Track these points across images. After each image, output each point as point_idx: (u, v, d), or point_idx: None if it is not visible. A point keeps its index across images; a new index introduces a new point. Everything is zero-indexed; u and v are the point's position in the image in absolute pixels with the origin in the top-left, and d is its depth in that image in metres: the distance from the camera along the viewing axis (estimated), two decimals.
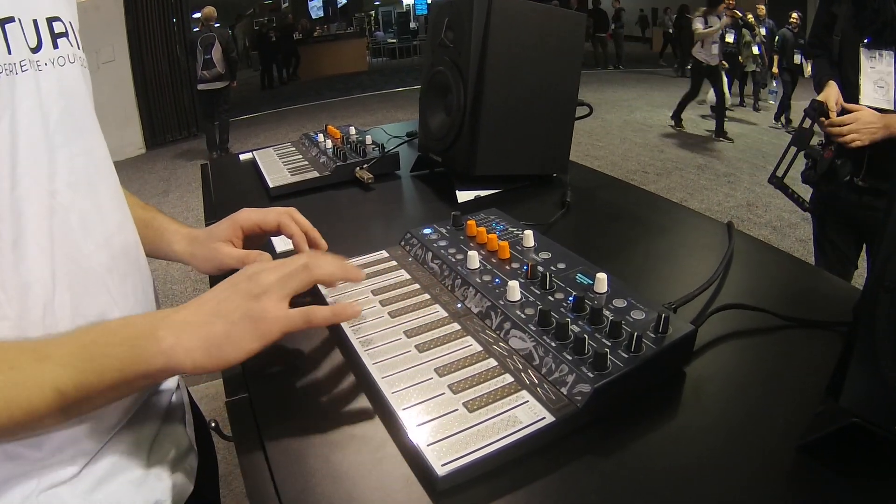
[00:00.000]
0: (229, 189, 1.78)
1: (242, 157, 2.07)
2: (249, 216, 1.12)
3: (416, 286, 1.03)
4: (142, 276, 0.95)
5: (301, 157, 1.90)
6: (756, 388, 0.83)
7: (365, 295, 1.01)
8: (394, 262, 1.12)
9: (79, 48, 0.85)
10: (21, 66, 0.72)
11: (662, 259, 1.23)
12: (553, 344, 0.81)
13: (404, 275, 1.07)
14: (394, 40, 22.88)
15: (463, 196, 1.54)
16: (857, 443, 0.69)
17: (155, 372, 0.70)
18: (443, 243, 1.11)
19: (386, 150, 1.77)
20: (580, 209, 1.45)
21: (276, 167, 1.81)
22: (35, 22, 0.75)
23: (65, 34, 0.81)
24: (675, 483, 0.68)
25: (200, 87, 8.91)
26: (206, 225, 1.50)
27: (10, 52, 0.70)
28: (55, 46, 0.79)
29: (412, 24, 23.66)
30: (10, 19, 0.71)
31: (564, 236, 1.19)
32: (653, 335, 0.81)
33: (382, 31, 23.54)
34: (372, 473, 0.71)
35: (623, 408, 0.79)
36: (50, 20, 0.78)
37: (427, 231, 1.16)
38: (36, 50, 0.75)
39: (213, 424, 1.03)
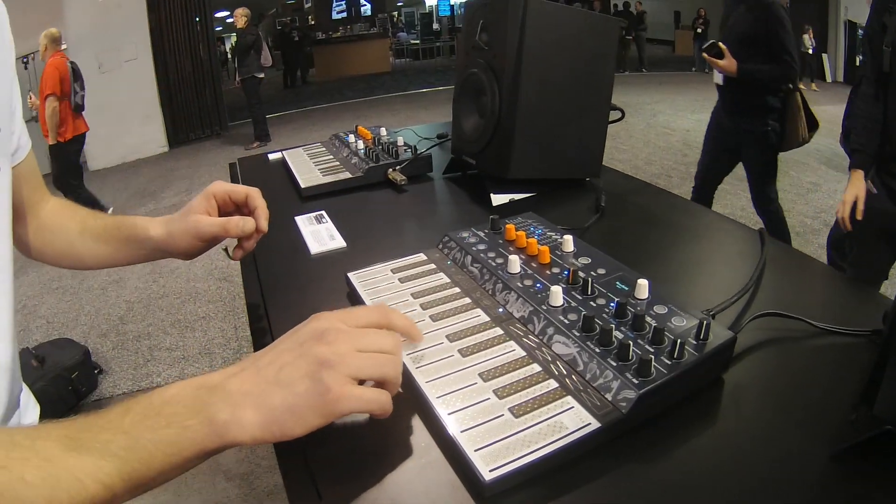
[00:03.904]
0: (259, 188, 1.77)
1: (271, 156, 2.08)
2: (221, 186, 1.12)
3: (457, 290, 1.02)
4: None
5: (332, 157, 1.90)
6: (791, 395, 0.82)
7: (405, 298, 1.01)
8: (432, 266, 1.11)
9: None
10: None
11: (695, 265, 1.22)
12: (597, 350, 0.80)
13: (444, 278, 1.07)
14: (417, 41, 22.87)
15: (497, 199, 1.53)
16: (890, 451, 0.68)
17: (210, 451, 0.63)
18: (482, 247, 1.10)
19: (418, 151, 1.76)
20: (614, 214, 1.44)
21: (307, 167, 1.81)
22: None
23: None
24: (717, 491, 0.68)
25: (261, 74, 9.76)
26: None
27: None
28: None
29: (435, 26, 23.63)
30: None
31: (599, 241, 1.19)
32: (694, 342, 0.81)
33: (405, 32, 23.56)
34: (417, 479, 0.71)
35: (664, 415, 0.78)
36: None
37: (465, 234, 1.16)
38: None
39: None
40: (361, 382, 0.69)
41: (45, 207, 1.11)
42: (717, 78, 4.01)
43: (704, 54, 3.88)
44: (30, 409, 1.05)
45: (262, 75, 9.73)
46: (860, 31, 12.41)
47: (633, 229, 1.39)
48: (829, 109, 9.91)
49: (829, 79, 13.77)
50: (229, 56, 17.73)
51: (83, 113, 6.51)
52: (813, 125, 3.90)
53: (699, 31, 16.69)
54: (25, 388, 1.04)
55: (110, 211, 5.93)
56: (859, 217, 2.64)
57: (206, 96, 10.91)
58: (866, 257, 2.75)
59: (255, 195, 1.12)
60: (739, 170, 7.19)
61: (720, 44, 3.82)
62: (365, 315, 0.76)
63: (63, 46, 6.60)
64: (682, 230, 1.37)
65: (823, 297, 1.10)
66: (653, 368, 0.76)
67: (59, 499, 0.55)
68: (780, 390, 0.84)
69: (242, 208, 1.13)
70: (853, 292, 1.11)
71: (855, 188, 2.63)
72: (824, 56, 13.84)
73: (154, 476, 0.61)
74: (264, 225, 1.12)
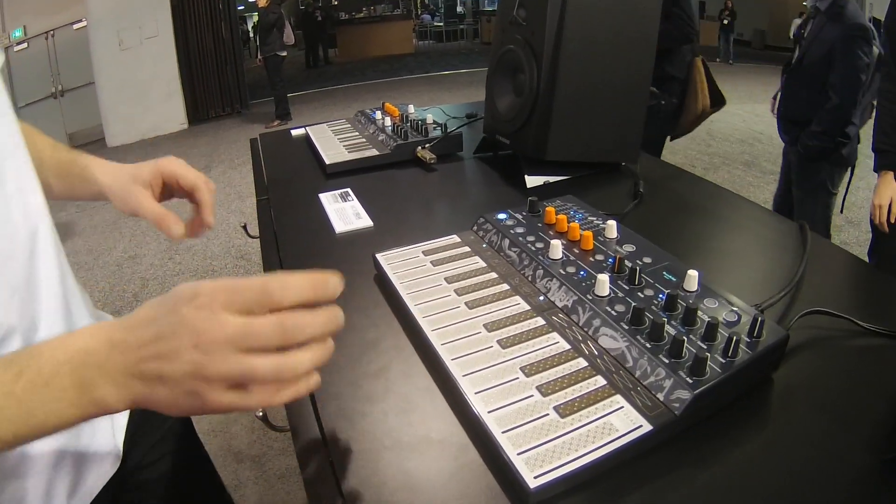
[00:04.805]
0: (281, 164, 1.73)
1: (294, 132, 2.03)
2: (174, 168, 1.04)
3: (494, 275, 0.96)
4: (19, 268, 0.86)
5: (358, 134, 1.84)
6: (840, 398, 0.78)
7: (438, 282, 0.95)
8: (467, 248, 1.05)
9: None
10: None
11: (733, 255, 1.18)
12: (648, 345, 0.75)
13: (479, 262, 1.01)
14: (440, 24, 22.80)
15: (532, 181, 1.48)
16: None
17: (91, 417, 0.61)
18: (520, 230, 1.04)
19: (448, 129, 1.70)
20: (651, 200, 1.39)
21: (332, 144, 1.76)
22: None
23: None
24: (769, 497, 0.64)
25: (284, 53, 9.78)
26: (257, 201, 1.46)
27: None
28: None
29: (459, 9, 23.56)
30: None
31: (637, 228, 1.13)
32: (747, 339, 0.75)
33: (429, 15, 23.48)
34: (451, 483, 0.65)
35: (713, 416, 0.73)
36: None
37: (502, 216, 1.09)
38: None
39: (260, 414, 0.98)
40: None
41: None
42: None
43: None
44: None
45: (284, 53, 9.71)
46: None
47: (671, 217, 1.34)
48: None
49: None
50: (251, 35, 17.74)
51: None
52: (718, 99, 3.76)
53: (725, 22, 16.51)
54: None
55: None
56: (893, 220, 2.61)
57: (228, 74, 10.86)
58: (889, 255, 2.72)
59: (201, 190, 1.04)
60: (762, 160, 7.13)
61: None
62: (245, 293, 0.61)
63: None
64: (719, 219, 1.33)
65: (864, 295, 1.05)
66: (708, 367, 0.70)
67: None
68: (829, 392, 0.79)
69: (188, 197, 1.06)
70: (890, 290, 1.06)
71: (890, 190, 2.59)
72: None
73: (45, 433, 0.60)
74: (209, 219, 1.04)
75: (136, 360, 0.60)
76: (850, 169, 3.36)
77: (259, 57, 9.82)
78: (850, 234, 5.26)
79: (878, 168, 2.58)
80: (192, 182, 1.03)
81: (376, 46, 18.54)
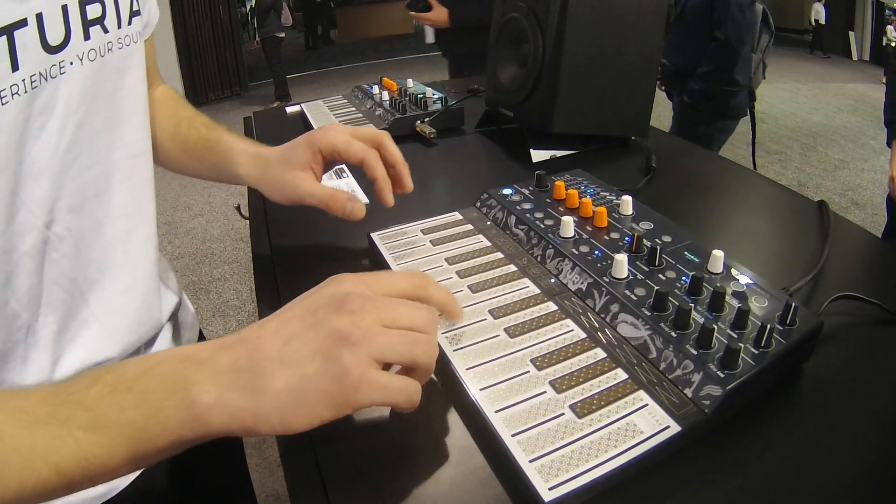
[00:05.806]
0: (275, 143, 1.64)
1: (289, 109, 1.95)
2: (332, 142, 0.90)
3: (499, 255, 0.88)
4: (146, 283, 0.86)
5: (354, 109, 1.76)
6: (874, 391, 0.70)
7: (438, 263, 0.87)
8: (469, 226, 0.97)
9: (123, 25, 0.74)
10: (31, 83, 0.59)
11: (753, 235, 1.10)
12: (673, 334, 0.67)
13: (483, 241, 0.93)
14: None
15: (537, 155, 1.40)
16: None
17: (188, 442, 0.50)
18: (527, 206, 0.96)
19: (449, 103, 1.62)
20: (664, 176, 1.31)
21: (328, 120, 1.68)
22: (65, 8, 0.63)
23: (100, 19, 0.69)
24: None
25: (282, 34, 9.95)
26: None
27: (16, 68, 0.57)
28: (86, 37, 0.67)
29: None
30: (22, 23, 0.58)
31: (651, 205, 1.06)
32: (780, 327, 0.67)
33: None
34: (454, 492, 0.57)
35: (741, 412, 0.65)
36: (84, 3, 0.66)
37: (507, 191, 1.01)
38: (61, 48, 0.63)
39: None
40: (386, 367, 0.55)
41: (151, 93, 1.01)
42: (429, 36, 3.58)
43: (411, 13, 3.33)
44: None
45: (282, 35, 9.79)
46: (888, 10, 12.33)
47: (684, 193, 1.27)
48: (859, 88, 9.73)
49: (855, 57, 13.49)
50: (249, 17, 17.74)
51: None
52: None
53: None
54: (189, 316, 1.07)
55: None
56: None
57: (226, 56, 10.82)
58: None
59: (371, 164, 0.90)
60: (766, 139, 7.07)
61: None
62: (396, 281, 0.61)
63: None
64: (734, 196, 1.27)
65: (890, 278, 0.97)
66: (740, 359, 0.62)
67: (7, 482, 0.45)
68: (863, 385, 0.72)
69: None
70: None
71: None
72: (851, 34, 13.53)
73: (117, 465, 0.49)
74: (406, 182, 0.95)
75: (251, 353, 0.52)
76: (751, 125, 3.56)
77: (257, 39, 9.83)
78: (856, 216, 5.22)
79: (891, 141, 2.56)
80: (361, 159, 0.90)
81: (377, 27, 18.44)
